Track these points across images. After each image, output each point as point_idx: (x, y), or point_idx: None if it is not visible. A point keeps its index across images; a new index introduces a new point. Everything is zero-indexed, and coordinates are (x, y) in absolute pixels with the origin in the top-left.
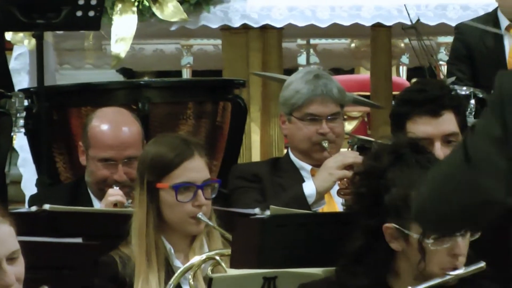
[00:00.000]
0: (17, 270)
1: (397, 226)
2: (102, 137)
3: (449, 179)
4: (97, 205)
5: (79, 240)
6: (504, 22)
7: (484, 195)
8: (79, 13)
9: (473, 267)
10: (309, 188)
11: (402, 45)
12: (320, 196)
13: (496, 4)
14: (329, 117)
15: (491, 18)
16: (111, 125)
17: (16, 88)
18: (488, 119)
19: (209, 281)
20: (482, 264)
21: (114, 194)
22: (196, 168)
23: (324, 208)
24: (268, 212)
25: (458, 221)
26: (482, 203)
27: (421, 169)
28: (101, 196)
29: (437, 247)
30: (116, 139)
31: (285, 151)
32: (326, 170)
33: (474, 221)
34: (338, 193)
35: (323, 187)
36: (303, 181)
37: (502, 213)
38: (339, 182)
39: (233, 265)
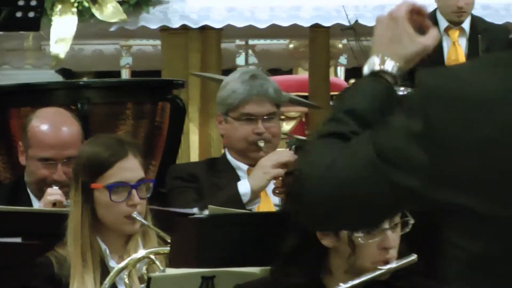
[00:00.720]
0: None
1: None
2: (41, 137)
3: (355, 175)
4: (37, 204)
5: (18, 240)
6: (443, 23)
7: (397, 190)
8: (18, 14)
9: (404, 261)
10: (243, 187)
11: (341, 45)
12: (255, 194)
13: (435, 5)
14: (265, 117)
15: (430, 19)
16: (50, 125)
17: None
18: (406, 116)
19: (148, 280)
20: (414, 257)
21: (53, 193)
22: (130, 168)
23: (260, 207)
24: (206, 212)
25: (351, 219)
26: (392, 199)
27: None
28: (40, 195)
29: (367, 241)
30: (56, 139)
31: (223, 151)
32: (261, 169)
33: (373, 218)
34: (274, 191)
35: (258, 185)
36: (240, 180)
37: (425, 207)
38: (274, 181)
39: (172, 265)
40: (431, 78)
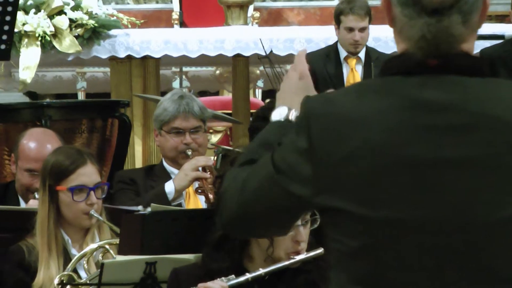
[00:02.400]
0: None
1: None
2: (28, 152)
3: (261, 190)
4: (23, 204)
5: None
6: (343, 53)
7: (293, 198)
8: None
9: (313, 253)
10: (169, 186)
11: (258, 72)
12: (178, 193)
13: (336, 38)
14: (191, 130)
15: (332, 49)
16: (37, 142)
17: None
18: (295, 135)
19: (101, 265)
20: (321, 250)
21: (33, 204)
22: (88, 173)
23: (191, 204)
24: (149, 209)
25: (267, 226)
26: (292, 206)
27: None
28: (26, 197)
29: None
30: (39, 154)
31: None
32: (183, 171)
33: (283, 224)
34: (196, 191)
35: (180, 185)
36: None
37: (312, 211)
38: (199, 182)
39: (120, 253)
40: (311, 103)
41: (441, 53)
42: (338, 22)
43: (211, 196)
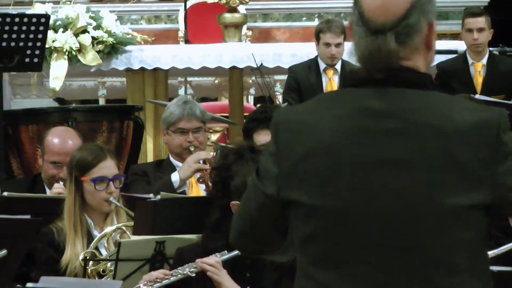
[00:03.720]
0: None
1: (239, 203)
2: (53, 146)
3: (251, 199)
4: (49, 192)
5: (27, 216)
6: (322, 65)
7: (263, 194)
8: (27, 60)
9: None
10: (174, 176)
11: (250, 81)
12: (183, 182)
13: (316, 53)
14: (194, 130)
15: (313, 62)
16: (59, 138)
17: None
18: (269, 141)
19: (118, 244)
20: None
21: (57, 187)
22: (108, 167)
23: (193, 192)
24: (159, 197)
25: (265, 238)
26: (263, 202)
27: (255, 164)
28: (51, 186)
29: None
30: (62, 148)
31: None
32: (186, 164)
33: (264, 226)
34: (198, 180)
35: (184, 175)
36: None
37: (279, 206)
38: (200, 173)
39: (135, 233)
40: (279, 113)
41: (382, 68)
42: (318, 39)
43: (210, 184)
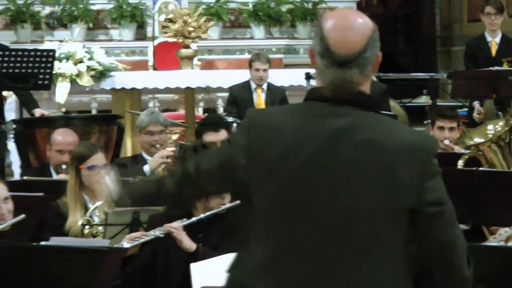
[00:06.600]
0: (8, 207)
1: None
2: (57, 140)
3: (213, 153)
4: (55, 176)
5: (41, 194)
6: (253, 85)
7: (232, 161)
8: (39, 82)
9: (233, 204)
10: (146, 168)
11: (200, 97)
12: (152, 172)
13: (249, 76)
14: (158, 132)
15: (247, 83)
16: (62, 134)
17: (8, 119)
18: (240, 132)
19: (106, 214)
20: (238, 202)
21: (62, 176)
22: (99, 158)
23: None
24: (136, 180)
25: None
26: (230, 167)
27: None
28: (57, 170)
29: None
30: (64, 140)
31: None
32: (154, 159)
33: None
34: (163, 170)
35: (153, 167)
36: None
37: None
38: (164, 164)
39: (117, 206)
40: (251, 113)
41: (345, 93)
42: (250, 66)
43: None
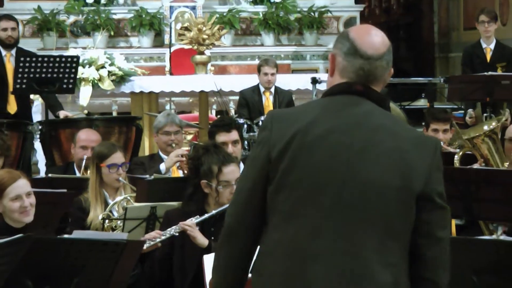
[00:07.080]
0: (31, 200)
1: (206, 181)
2: (81, 137)
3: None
4: (78, 174)
5: (64, 190)
6: (262, 89)
7: (265, 160)
8: (64, 86)
9: None
10: (162, 166)
11: (213, 100)
12: (167, 170)
13: (258, 81)
14: (174, 132)
15: (256, 87)
16: (85, 133)
17: (34, 120)
18: (262, 131)
19: (125, 209)
20: None
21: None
22: (118, 157)
23: (175, 175)
24: (152, 177)
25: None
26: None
27: (217, 155)
28: (80, 168)
29: (224, 190)
30: (87, 138)
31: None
32: (170, 157)
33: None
34: (177, 168)
35: (168, 165)
36: None
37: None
38: (179, 163)
39: (136, 201)
40: (273, 111)
41: (367, 81)
42: (259, 71)
43: (186, 171)
